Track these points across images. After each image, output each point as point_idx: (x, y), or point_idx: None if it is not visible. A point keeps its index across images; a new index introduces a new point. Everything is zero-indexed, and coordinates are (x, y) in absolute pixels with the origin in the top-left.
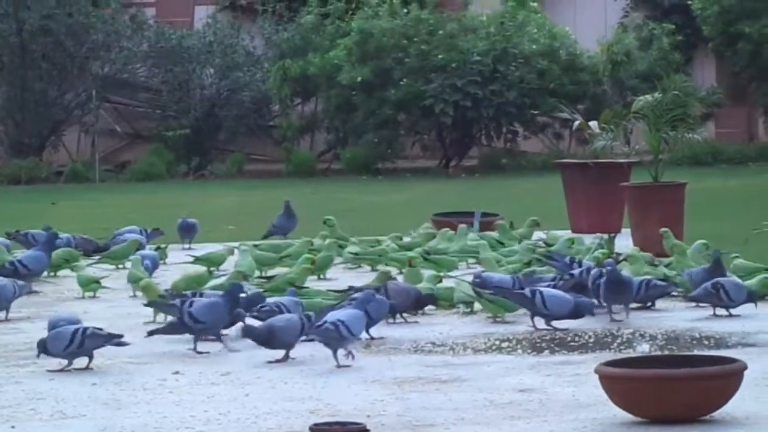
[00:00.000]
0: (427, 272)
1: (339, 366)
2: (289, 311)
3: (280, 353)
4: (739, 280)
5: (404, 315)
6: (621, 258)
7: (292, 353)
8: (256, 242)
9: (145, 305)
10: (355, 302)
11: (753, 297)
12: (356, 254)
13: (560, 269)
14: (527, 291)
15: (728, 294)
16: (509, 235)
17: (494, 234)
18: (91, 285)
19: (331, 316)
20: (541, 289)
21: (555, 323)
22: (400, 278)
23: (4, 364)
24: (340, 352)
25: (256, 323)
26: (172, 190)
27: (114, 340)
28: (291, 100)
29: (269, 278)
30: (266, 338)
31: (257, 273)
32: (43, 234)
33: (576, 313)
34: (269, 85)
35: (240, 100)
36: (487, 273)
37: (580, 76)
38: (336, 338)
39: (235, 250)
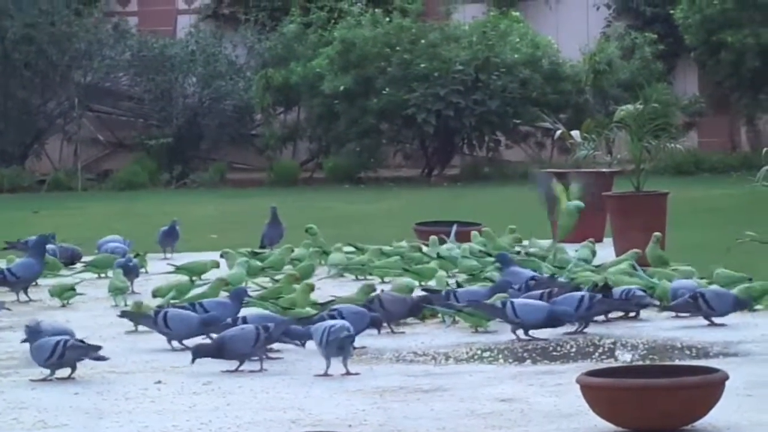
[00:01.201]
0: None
1: (326, 375)
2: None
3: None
4: (721, 289)
5: (392, 325)
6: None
7: (280, 364)
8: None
9: (120, 316)
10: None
11: (741, 304)
12: (344, 266)
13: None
14: (498, 302)
15: (708, 303)
16: (495, 243)
17: (473, 244)
18: (65, 294)
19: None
20: (512, 299)
21: (533, 332)
22: (383, 288)
23: None
24: (336, 360)
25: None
26: (155, 199)
27: (93, 354)
28: (273, 109)
29: (276, 280)
30: (217, 350)
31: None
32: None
33: (552, 321)
34: (252, 94)
35: (222, 109)
36: (464, 289)
37: (563, 86)
38: (350, 343)
39: (221, 260)
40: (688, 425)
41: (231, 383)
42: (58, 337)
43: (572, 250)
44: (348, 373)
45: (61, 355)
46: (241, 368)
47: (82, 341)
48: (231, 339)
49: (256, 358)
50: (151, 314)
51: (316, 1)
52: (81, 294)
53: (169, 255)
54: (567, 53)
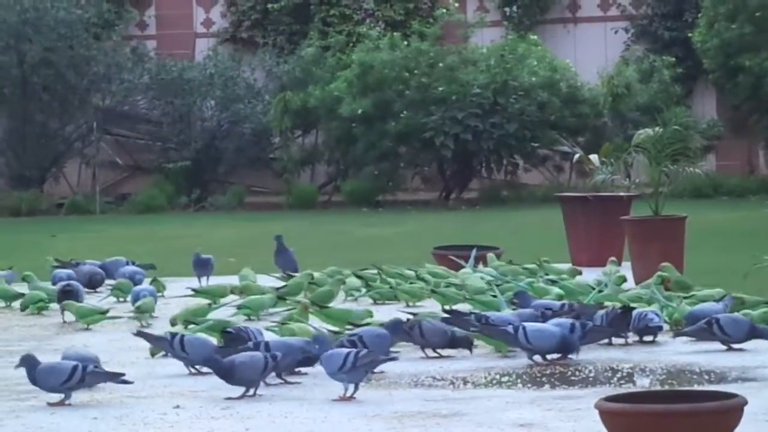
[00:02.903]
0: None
1: (346, 398)
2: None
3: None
4: (737, 315)
5: (437, 351)
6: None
7: (295, 390)
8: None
9: (135, 334)
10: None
11: (757, 332)
12: (369, 288)
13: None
14: (509, 327)
15: (722, 329)
16: (502, 269)
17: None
18: (93, 317)
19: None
20: (524, 324)
21: (550, 357)
22: (395, 311)
23: (4, 398)
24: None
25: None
26: (173, 222)
27: (116, 379)
28: (291, 132)
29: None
30: (226, 373)
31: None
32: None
33: (564, 347)
34: (270, 117)
35: (241, 132)
36: (495, 313)
37: (581, 109)
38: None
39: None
40: None
41: (249, 408)
42: (74, 362)
43: (594, 274)
44: (352, 397)
45: (81, 379)
46: (248, 394)
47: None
48: (240, 365)
49: (277, 382)
50: (167, 337)
51: (334, 25)
52: (117, 318)
53: (205, 281)
54: (585, 76)
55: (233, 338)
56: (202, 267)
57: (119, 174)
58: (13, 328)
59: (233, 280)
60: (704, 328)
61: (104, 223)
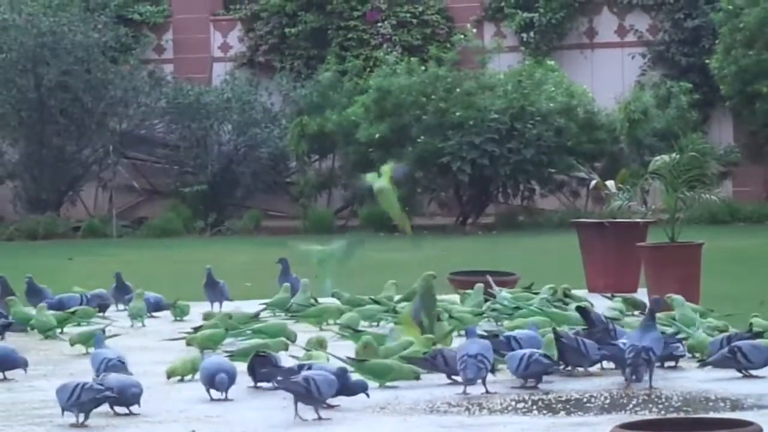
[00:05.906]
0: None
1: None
2: None
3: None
4: (757, 341)
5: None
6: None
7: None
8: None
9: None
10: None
11: None
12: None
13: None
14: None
15: (746, 356)
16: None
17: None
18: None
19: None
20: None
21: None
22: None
23: (20, 422)
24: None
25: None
26: (189, 246)
27: (111, 399)
28: (308, 157)
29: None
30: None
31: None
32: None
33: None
34: (287, 142)
35: (257, 156)
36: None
37: (598, 135)
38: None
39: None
40: None
41: None
42: (78, 381)
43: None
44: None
45: (78, 397)
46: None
47: (101, 385)
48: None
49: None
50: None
51: (351, 50)
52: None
53: (216, 308)
54: (602, 102)
55: (263, 362)
56: (215, 291)
57: (136, 198)
58: (29, 352)
59: (248, 306)
60: (728, 357)
61: (120, 246)
